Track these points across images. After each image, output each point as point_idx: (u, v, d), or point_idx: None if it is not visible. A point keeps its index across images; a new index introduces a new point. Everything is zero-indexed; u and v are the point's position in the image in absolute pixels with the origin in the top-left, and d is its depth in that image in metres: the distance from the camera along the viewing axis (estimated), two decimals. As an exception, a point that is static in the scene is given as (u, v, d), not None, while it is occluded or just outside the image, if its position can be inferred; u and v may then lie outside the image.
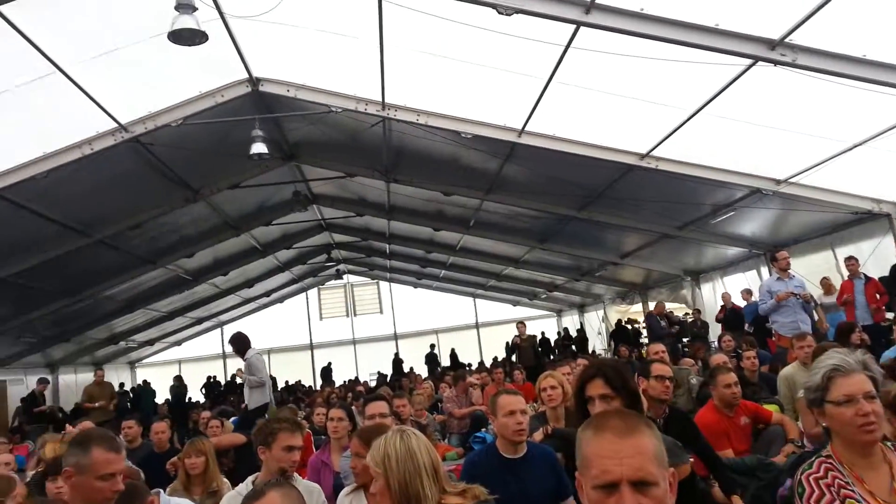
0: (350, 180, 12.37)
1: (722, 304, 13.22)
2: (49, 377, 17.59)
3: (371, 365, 24.08)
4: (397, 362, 22.32)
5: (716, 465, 4.03)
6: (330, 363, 23.73)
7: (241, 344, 8.84)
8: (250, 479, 3.26)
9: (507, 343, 17.63)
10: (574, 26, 6.43)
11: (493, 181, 11.20)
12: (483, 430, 7.44)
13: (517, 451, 3.50)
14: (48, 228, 10.43)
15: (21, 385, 17.29)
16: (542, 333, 20.90)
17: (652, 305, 16.20)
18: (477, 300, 25.55)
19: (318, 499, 3.23)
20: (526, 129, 9.03)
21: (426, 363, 21.82)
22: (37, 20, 6.32)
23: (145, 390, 21.36)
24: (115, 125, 8.55)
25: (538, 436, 4.55)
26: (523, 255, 16.74)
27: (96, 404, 12.80)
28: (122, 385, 21.85)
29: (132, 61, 7.48)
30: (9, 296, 12.49)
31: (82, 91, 7.53)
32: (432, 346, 22.80)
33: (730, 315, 12.50)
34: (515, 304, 24.69)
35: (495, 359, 16.94)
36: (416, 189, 12.17)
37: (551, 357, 17.28)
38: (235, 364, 23.96)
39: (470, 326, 25.61)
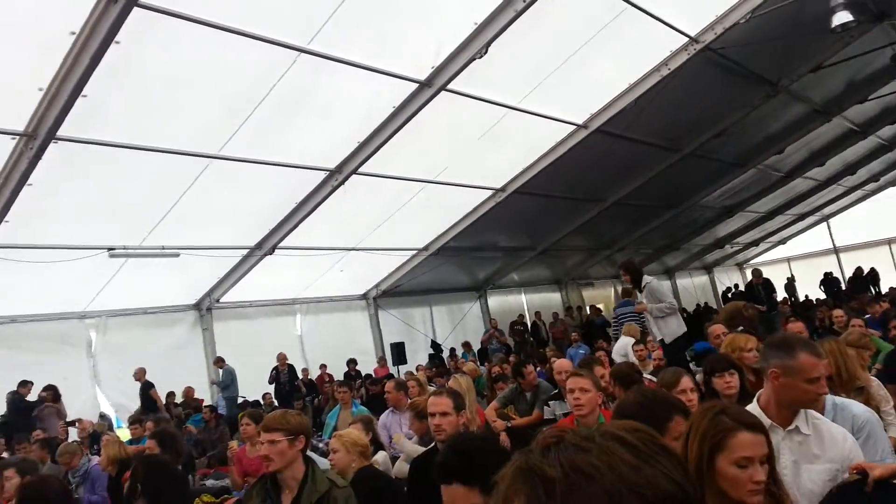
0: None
1: None
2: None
3: None
4: None
5: None
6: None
7: (634, 272, 7.56)
8: None
9: None
10: None
11: None
12: None
13: None
14: (643, 151, 11.68)
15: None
16: None
17: None
18: None
19: None
20: None
21: None
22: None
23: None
24: (687, 39, 8.87)
25: None
26: None
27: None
28: (735, 286, 22.82)
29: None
30: (623, 215, 14.55)
31: (652, 17, 8.06)
32: None
33: None
34: None
35: None
36: None
37: None
38: (851, 259, 22.22)
39: None
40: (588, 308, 18.04)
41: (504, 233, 13.62)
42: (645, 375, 6.64)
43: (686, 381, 3.32)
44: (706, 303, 22.00)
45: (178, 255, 9.35)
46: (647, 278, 7.45)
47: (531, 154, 10.58)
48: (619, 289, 17.47)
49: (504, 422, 6.17)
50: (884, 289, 18.64)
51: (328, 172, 9.04)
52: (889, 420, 4.09)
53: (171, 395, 10.80)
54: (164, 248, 9.17)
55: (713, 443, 1.96)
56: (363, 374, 12.60)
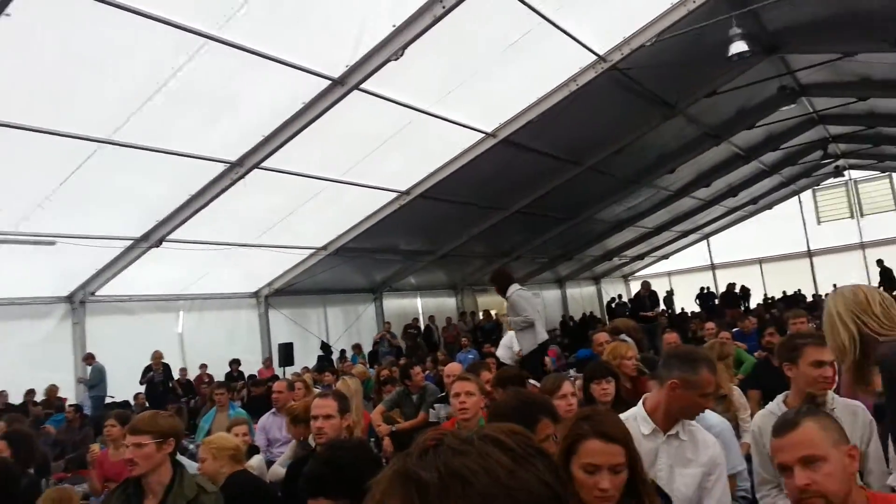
0: (848, 61, 10.51)
1: None
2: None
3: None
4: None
5: None
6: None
7: (503, 280, 7.36)
8: (780, 397, 3.14)
9: None
10: None
11: None
12: None
13: None
14: (546, 163, 11.84)
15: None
16: None
17: None
18: None
19: (863, 417, 2.92)
20: None
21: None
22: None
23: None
24: (595, 58, 9.03)
25: None
26: None
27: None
28: (619, 297, 23.84)
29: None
30: (523, 224, 14.73)
31: (565, 33, 8.14)
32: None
33: None
34: None
35: None
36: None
37: None
38: (725, 275, 23.94)
39: None
40: (481, 313, 18.20)
41: (405, 236, 13.44)
42: (529, 381, 6.75)
43: (567, 387, 3.46)
44: (592, 312, 22.78)
45: (53, 244, 8.53)
46: (512, 289, 7.25)
47: (438, 159, 10.46)
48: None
49: (388, 426, 6.11)
50: (753, 304, 20.11)
51: (228, 165, 8.51)
52: (745, 427, 4.35)
53: (30, 392, 9.91)
54: (38, 236, 8.32)
55: (567, 446, 2.05)
56: (247, 376, 12.05)
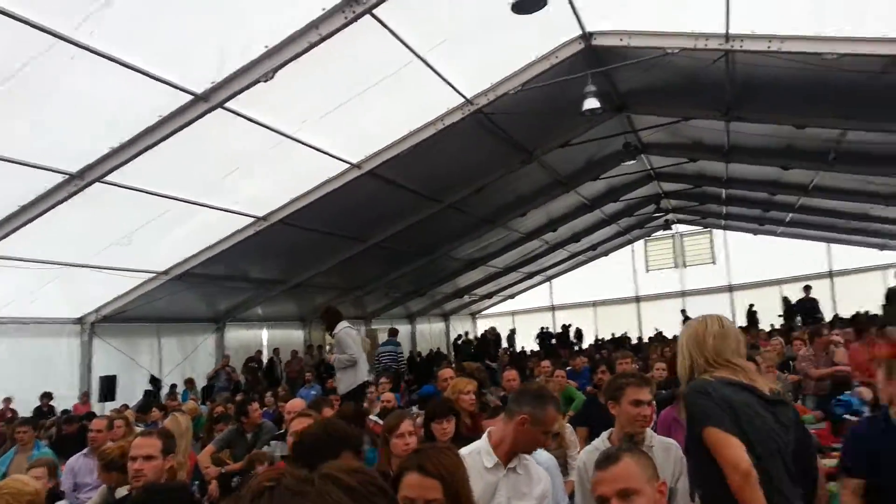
0: (684, 124, 11.63)
1: None
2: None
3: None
4: (751, 314, 20.41)
5: None
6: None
7: (331, 318, 7.54)
8: (605, 434, 3.30)
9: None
10: None
11: (861, 104, 9.46)
12: (847, 393, 6.71)
13: None
14: (408, 199, 11.86)
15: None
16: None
17: None
18: (831, 245, 22.31)
19: (675, 454, 3.14)
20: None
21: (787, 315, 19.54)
22: (398, 17, 7.01)
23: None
24: (463, 100, 9.22)
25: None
26: (901, 190, 14.00)
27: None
28: (466, 334, 24.31)
29: (474, 39, 7.97)
30: (380, 258, 14.60)
31: (436, 73, 8.24)
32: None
33: None
34: (883, 248, 20.93)
35: (865, 313, 14.58)
36: (761, 125, 10.93)
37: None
38: (564, 316, 25.35)
39: (821, 275, 22.44)
40: (327, 347, 17.67)
41: (258, 264, 12.79)
42: (371, 416, 6.64)
43: (406, 426, 3.51)
44: (439, 348, 22.96)
45: None
46: (340, 326, 7.32)
47: (300, 186, 10.11)
48: (374, 328, 17.56)
49: (217, 468, 5.74)
50: (586, 345, 21.45)
51: (67, 176, 7.61)
52: (572, 465, 4.51)
53: None
54: None
55: (395, 477, 2.14)
56: (60, 411, 10.76)
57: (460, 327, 25.89)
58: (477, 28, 7.75)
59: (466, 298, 24.35)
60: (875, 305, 15.77)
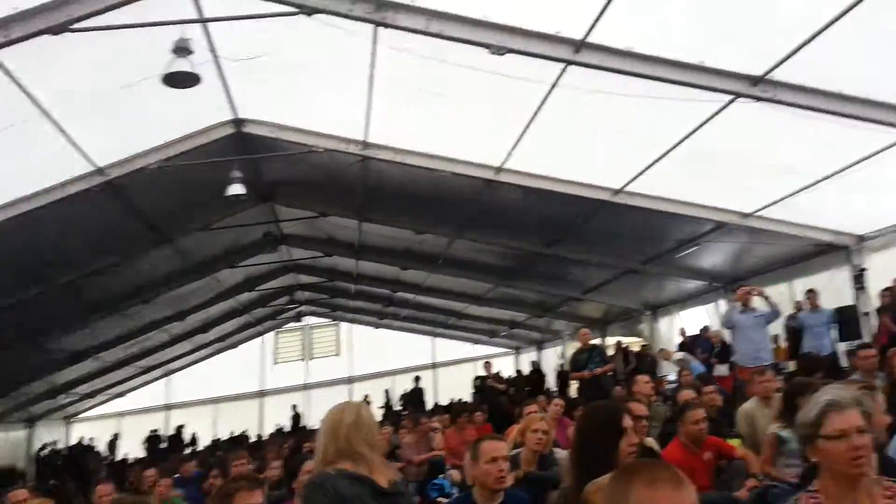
0: (323, 220, 12.32)
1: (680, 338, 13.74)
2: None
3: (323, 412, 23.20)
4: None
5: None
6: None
7: None
8: None
9: (477, 381, 17.56)
10: (563, 65, 6.62)
11: (467, 219, 11.34)
12: (441, 476, 7.00)
13: (495, 499, 3.35)
14: (3, 276, 9.94)
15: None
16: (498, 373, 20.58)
17: (611, 341, 16.56)
18: (436, 339, 25.39)
19: None
20: (504, 166, 9.20)
21: (387, 406, 21.30)
22: (26, 65, 6.14)
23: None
24: (93, 168, 8.32)
25: (509, 479, 4.14)
26: (487, 293, 16.88)
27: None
28: (54, 443, 20.49)
29: (116, 104, 7.36)
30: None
31: (64, 134, 7.33)
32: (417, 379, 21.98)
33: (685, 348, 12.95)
34: (475, 342, 24.65)
35: (459, 401, 16.62)
36: (387, 228, 12.22)
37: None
38: (180, 416, 23.06)
39: (426, 367, 25.26)
40: None
41: None
42: None
43: None
44: (14, 465, 18.76)
45: None
46: None
47: None
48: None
49: None
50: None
51: None
52: None
53: None
54: None
55: None
56: None
57: (48, 434, 21.63)
58: (121, 94, 7.17)
59: (62, 399, 20.65)
60: (467, 393, 18.33)
